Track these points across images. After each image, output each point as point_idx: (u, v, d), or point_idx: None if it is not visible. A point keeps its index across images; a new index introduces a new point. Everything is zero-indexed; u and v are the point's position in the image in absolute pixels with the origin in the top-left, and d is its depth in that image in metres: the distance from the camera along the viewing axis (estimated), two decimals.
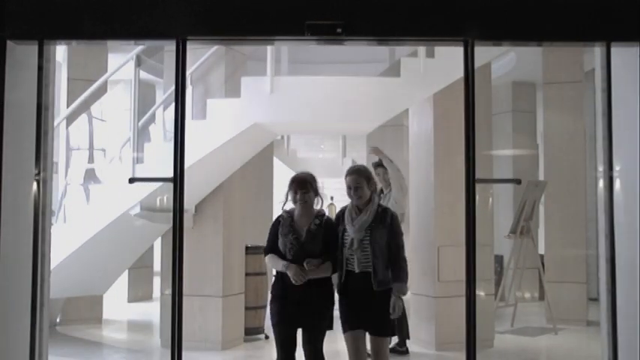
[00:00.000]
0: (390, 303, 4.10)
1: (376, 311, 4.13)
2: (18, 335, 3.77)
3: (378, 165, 6.68)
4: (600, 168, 3.91)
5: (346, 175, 4.30)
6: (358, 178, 4.24)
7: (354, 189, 4.23)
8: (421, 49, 6.15)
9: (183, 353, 3.81)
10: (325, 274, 4.18)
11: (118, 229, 6.43)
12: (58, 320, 8.13)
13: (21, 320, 3.77)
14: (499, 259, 9.60)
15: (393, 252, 4.17)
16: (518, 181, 5.77)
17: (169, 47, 5.45)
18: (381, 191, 6.71)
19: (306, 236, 4.21)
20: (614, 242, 3.81)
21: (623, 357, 3.78)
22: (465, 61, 3.81)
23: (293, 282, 4.09)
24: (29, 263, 3.79)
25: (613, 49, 3.82)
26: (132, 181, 5.51)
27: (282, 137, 11.74)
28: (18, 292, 3.78)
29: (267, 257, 4.37)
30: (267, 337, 7.26)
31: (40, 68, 3.85)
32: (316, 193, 4.32)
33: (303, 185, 4.27)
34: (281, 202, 4.35)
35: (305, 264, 4.11)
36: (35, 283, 3.79)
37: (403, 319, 6.52)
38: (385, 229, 4.18)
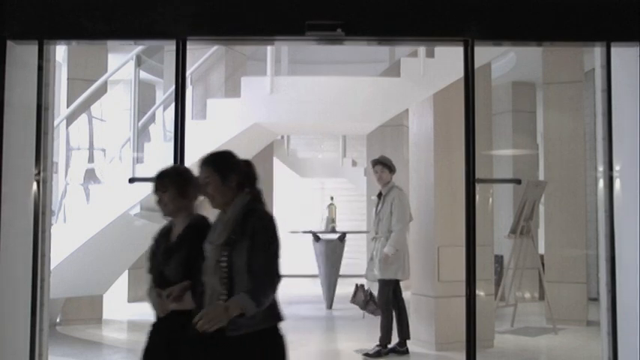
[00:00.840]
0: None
1: None
2: (18, 335, 3.77)
3: (377, 162, 6.67)
4: (600, 168, 3.92)
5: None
6: (207, 169, 2.92)
7: (203, 186, 2.96)
8: (421, 49, 6.15)
9: None
10: (191, 306, 2.88)
11: (118, 229, 6.42)
12: (58, 320, 8.12)
13: (21, 320, 3.77)
14: (499, 259, 9.60)
15: (253, 269, 2.72)
16: (518, 181, 5.79)
17: (169, 47, 5.46)
18: (380, 194, 6.70)
19: (163, 254, 3.04)
20: (614, 242, 3.82)
21: (623, 357, 3.78)
22: (465, 61, 3.81)
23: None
24: (29, 263, 3.79)
25: (613, 49, 3.82)
26: (132, 181, 5.50)
27: (282, 137, 11.75)
28: (18, 292, 3.78)
29: None
30: None
31: (40, 68, 3.86)
32: (182, 194, 3.07)
33: (160, 183, 3.08)
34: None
35: (164, 291, 2.98)
36: (35, 283, 3.80)
37: (403, 318, 6.53)
38: (248, 240, 2.76)
